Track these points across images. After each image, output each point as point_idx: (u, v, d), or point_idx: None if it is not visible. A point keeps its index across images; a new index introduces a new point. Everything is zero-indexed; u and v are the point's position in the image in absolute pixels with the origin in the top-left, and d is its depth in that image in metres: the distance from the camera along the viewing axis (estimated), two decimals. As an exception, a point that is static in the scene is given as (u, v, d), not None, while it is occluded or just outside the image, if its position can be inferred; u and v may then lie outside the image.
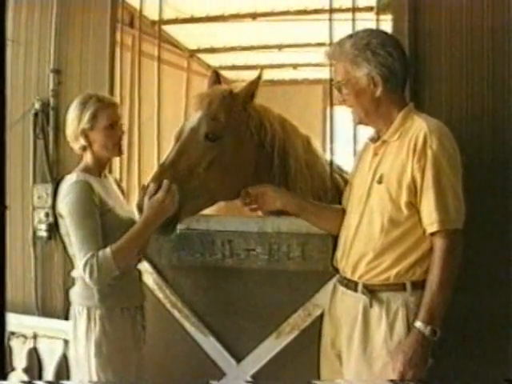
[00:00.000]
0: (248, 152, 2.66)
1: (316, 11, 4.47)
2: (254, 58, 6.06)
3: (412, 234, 2.17)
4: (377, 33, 2.38)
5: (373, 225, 2.23)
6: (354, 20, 2.72)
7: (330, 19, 2.76)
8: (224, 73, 6.32)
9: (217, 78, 2.89)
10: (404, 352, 2.10)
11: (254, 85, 2.64)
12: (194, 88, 5.72)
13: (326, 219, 2.56)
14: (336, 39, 2.59)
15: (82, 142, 2.58)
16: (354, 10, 2.74)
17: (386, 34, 2.38)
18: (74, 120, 2.59)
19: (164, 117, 3.64)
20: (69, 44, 3.20)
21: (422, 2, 2.70)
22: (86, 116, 2.55)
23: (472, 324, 2.64)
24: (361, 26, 2.76)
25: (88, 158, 2.62)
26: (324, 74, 6.57)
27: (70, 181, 2.54)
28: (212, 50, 5.81)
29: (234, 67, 6.28)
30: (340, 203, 2.55)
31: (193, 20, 4.70)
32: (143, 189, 2.49)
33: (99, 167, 2.64)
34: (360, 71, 2.23)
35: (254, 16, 4.66)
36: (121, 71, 3.39)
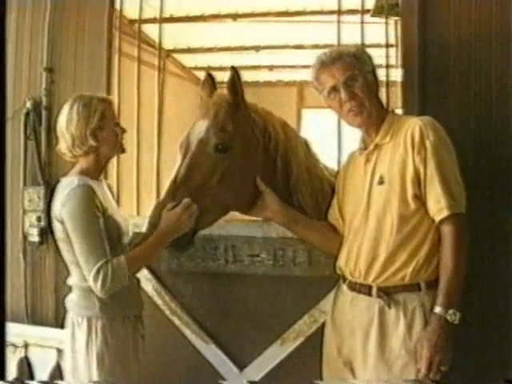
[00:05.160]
0: (256, 159, 2.58)
1: (297, 13, 4.47)
2: (229, 59, 5.99)
3: (420, 229, 2.21)
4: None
5: (382, 226, 2.24)
6: (362, 23, 2.71)
7: (338, 21, 2.74)
8: (198, 74, 6.26)
9: (212, 81, 2.69)
10: (428, 339, 2.12)
11: None
12: (168, 88, 5.62)
13: (318, 232, 2.54)
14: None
15: (92, 142, 2.46)
16: (363, 12, 2.73)
17: None
18: (79, 122, 2.46)
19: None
20: (62, 42, 3.09)
21: (430, 10, 2.71)
22: (96, 116, 2.46)
23: (472, 324, 2.62)
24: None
25: (89, 160, 2.51)
26: (298, 75, 6.70)
27: (71, 184, 2.42)
28: (189, 51, 5.74)
29: (209, 68, 6.18)
30: None
31: (173, 20, 4.61)
32: (157, 206, 2.40)
33: (99, 170, 2.55)
34: (367, 66, 2.31)
35: (234, 17, 4.62)
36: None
